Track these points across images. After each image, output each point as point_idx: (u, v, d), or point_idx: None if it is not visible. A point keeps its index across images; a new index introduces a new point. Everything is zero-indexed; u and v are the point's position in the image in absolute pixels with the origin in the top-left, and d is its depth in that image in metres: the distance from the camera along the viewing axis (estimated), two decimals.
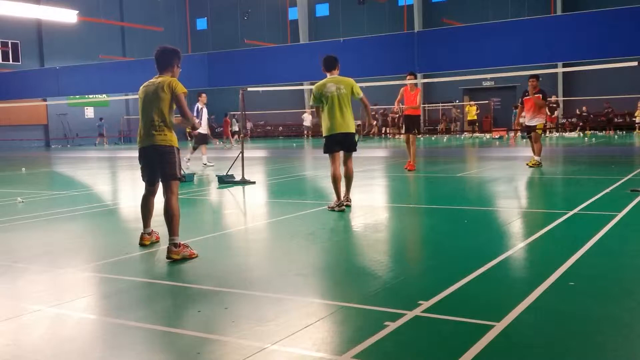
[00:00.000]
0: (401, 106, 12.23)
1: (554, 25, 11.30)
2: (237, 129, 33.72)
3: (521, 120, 12.60)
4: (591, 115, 32.07)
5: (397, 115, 34.28)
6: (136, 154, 5.63)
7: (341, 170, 7.56)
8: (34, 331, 3.56)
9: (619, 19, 10.49)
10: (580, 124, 31.60)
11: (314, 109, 7.67)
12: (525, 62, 11.73)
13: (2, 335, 3.46)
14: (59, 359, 3.15)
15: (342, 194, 7.55)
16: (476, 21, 18.79)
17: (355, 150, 7.51)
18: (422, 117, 34.59)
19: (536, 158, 12.30)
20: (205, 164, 15.51)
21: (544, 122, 12.36)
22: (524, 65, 12.56)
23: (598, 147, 20.82)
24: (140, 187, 5.90)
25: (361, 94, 7.42)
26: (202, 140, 15.73)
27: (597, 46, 10.59)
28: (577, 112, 32.16)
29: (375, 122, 7.61)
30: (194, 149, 15.74)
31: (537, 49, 11.02)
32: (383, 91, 34.75)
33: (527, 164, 12.35)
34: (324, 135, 7.45)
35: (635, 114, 28.95)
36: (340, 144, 7.44)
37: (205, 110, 15.59)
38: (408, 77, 12.12)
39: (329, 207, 7.52)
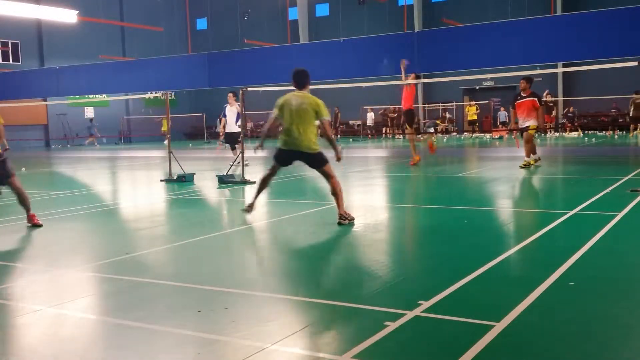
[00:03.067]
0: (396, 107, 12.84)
1: (554, 25, 11.28)
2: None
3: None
4: (583, 118, 32.19)
5: (395, 116, 34.41)
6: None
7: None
8: (34, 331, 3.56)
9: (619, 19, 10.47)
10: (569, 124, 31.62)
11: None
12: (525, 62, 11.71)
13: (2, 336, 3.46)
14: (59, 359, 3.15)
15: (253, 200, 7.20)
16: (476, 21, 18.78)
17: (322, 166, 6.79)
18: (417, 115, 34.72)
19: (526, 159, 12.30)
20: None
21: (537, 123, 12.38)
22: (524, 65, 12.54)
23: (598, 147, 20.81)
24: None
25: (325, 117, 6.73)
26: (231, 139, 15.37)
27: (597, 46, 10.57)
28: (564, 111, 32.20)
29: (340, 148, 6.97)
30: (232, 149, 15.44)
31: (537, 49, 11.00)
32: (383, 91, 34.81)
33: (520, 166, 12.34)
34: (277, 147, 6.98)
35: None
36: (290, 162, 7.02)
37: (227, 108, 15.17)
38: (412, 77, 12.94)
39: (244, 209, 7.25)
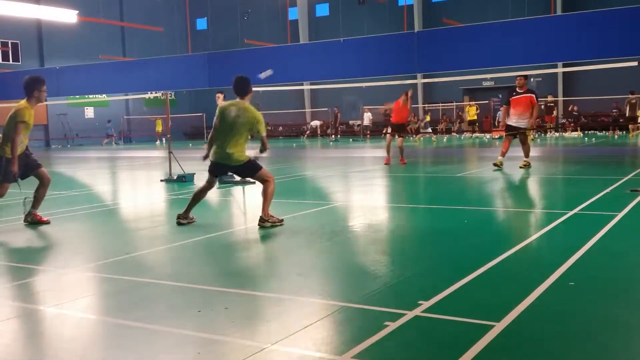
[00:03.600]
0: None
1: (554, 25, 11.26)
2: None
3: (508, 122, 12.58)
4: (582, 117, 32.17)
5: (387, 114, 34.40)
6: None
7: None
8: (34, 331, 3.56)
9: (619, 19, 10.46)
10: (572, 124, 31.64)
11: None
12: (525, 62, 11.69)
13: (2, 335, 3.46)
14: (59, 359, 3.15)
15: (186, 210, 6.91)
16: (476, 21, 18.77)
17: (256, 173, 6.60)
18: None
19: (526, 159, 12.31)
20: None
21: (529, 124, 12.45)
22: (524, 65, 12.54)
23: (598, 147, 20.81)
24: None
25: (263, 134, 6.56)
26: None
27: (597, 46, 10.55)
28: (569, 110, 32.25)
29: (267, 149, 6.79)
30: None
31: (537, 49, 10.98)
32: (383, 91, 34.81)
33: (520, 166, 12.30)
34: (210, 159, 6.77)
35: (637, 114, 28.94)
36: (225, 172, 7.01)
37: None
38: (404, 97, 14.51)
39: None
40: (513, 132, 12.53)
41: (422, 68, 12.45)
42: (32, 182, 7.25)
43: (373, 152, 21.28)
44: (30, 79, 6.91)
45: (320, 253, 5.43)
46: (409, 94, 14.69)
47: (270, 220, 6.47)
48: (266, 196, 6.54)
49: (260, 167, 6.62)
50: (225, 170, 6.87)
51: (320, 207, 7.97)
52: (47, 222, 7.09)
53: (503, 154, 12.35)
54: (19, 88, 7.03)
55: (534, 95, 12.25)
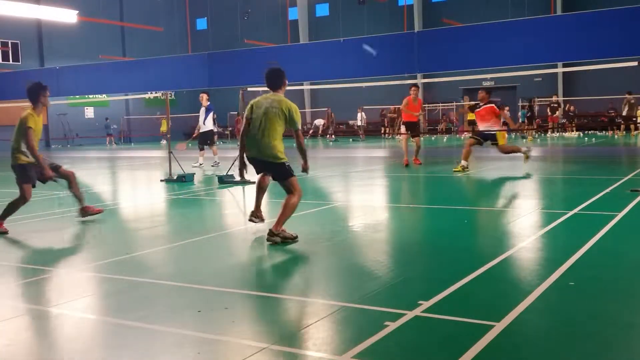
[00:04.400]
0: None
1: (554, 25, 11.25)
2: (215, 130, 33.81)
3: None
4: (583, 118, 32.22)
5: (395, 116, 34.32)
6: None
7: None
8: (34, 331, 3.56)
9: (619, 19, 10.45)
10: (568, 124, 31.63)
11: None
12: (525, 62, 11.68)
13: (2, 335, 3.46)
14: (59, 359, 3.15)
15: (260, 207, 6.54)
16: (476, 21, 18.76)
17: (285, 179, 6.01)
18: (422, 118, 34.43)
19: (526, 156, 12.29)
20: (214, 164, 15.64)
21: (503, 129, 12.71)
22: (524, 65, 12.54)
23: (598, 147, 20.80)
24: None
25: (298, 126, 6.03)
26: (200, 139, 15.85)
27: (597, 46, 10.54)
28: (566, 110, 32.26)
29: (308, 166, 6.24)
30: (200, 149, 15.82)
31: (537, 49, 10.97)
32: (383, 91, 34.82)
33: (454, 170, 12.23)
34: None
35: (637, 114, 28.95)
36: (261, 170, 6.28)
37: (203, 110, 15.67)
38: (413, 90, 13.84)
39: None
40: (487, 138, 12.56)
41: (422, 68, 12.44)
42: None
43: (373, 152, 21.28)
44: (34, 85, 6.91)
45: (320, 253, 5.43)
46: (417, 89, 14.12)
47: (281, 235, 5.76)
48: (286, 208, 5.90)
49: (292, 174, 6.03)
50: (263, 166, 6.15)
51: (320, 207, 7.97)
52: (101, 212, 7.46)
53: (516, 150, 12.40)
54: (19, 88, 7.06)
55: (494, 105, 12.42)
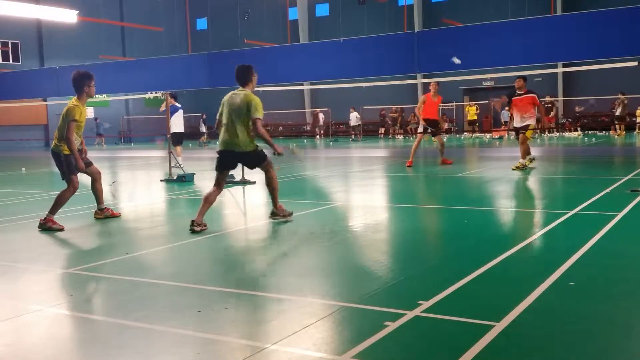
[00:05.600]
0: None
1: (554, 25, 11.26)
2: (204, 130, 34.14)
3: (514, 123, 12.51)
4: (583, 118, 32.27)
5: (397, 115, 34.30)
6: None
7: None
8: (34, 331, 3.56)
9: (619, 19, 10.46)
10: (570, 123, 31.68)
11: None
12: (525, 62, 11.69)
13: (2, 335, 3.46)
14: (59, 359, 3.15)
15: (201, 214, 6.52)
16: (476, 21, 18.76)
17: (260, 164, 6.63)
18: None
19: (521, 160, 12.07)
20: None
21: (534, 123, 12.41)
22: (524, 65, 12.55)
23: (598, 147, 20.81)
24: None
25: (256, 115, 6.33)
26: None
27: (597, 46, 10.56)
28: (577, 111, 32.31)
29: (278, 149, 6.55)
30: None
31: (537, 49, 10.98)
32: (383, 91, 34.80)
33: (512, 168, 12.12)
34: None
35: (636, 114, 28.97)
36: (233, 164, 6.79)
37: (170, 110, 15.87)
38: (432, 85, 13.61)
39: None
40: (517, 132, 12.41)
41: (422, 68, 12.45)
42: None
43: (372, 152, 21.29)
44: (78, 74, 6.91)
45: (320, 253, 5.44)
46: (436, 85, 13.71)
47: (281, 214, 6.71)
48: (274, 186, 6.67)
49: (266, 156, 6.62)
50: (233, 160, 6.70)
51: (320, 207, 7.97)
52: (118, 215, 7.52)
53: (524, 156, 12.15)
54: (19, 88, 7.08)
55: (535, 96, 12.21)
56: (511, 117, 12.76)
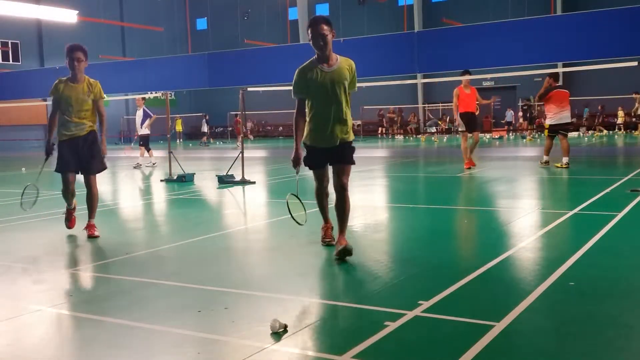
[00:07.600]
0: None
1: (554, 25, 11.27)
2: (205, 130, 34.22)
3: (550, 121, 12.29)
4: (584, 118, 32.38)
5: (394, 116, 34.26)
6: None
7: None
8: (34, 331, 3.56)
9: (619, 19, 10.47)
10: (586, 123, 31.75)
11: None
12: (525, 62, 11.71)
13: (2, 335, 3.46)
14: (59, 359, 3.15)
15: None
16: (476, 21, 18.77)
17: (350, 164, 5.31)
18: (457, 117, 34.37)
19: (565, 159, 12.00)
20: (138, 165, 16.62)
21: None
22: (524, 65, 12.56)
23: (598, 147, 20.81)
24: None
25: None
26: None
27: (597, 46, 10.57)
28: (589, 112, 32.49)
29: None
30: (147, 150, 16.71)
31: (537, 49, 10.99)
32: (383, 91, 34.80)
33: (556, 165, 12.03)
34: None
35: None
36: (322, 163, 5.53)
37: (140, 113, 16.40)
38: (465, 81, 12.27)
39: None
40: (561, 130, 12.21)
41: (422, 68, 12.46)
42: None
43: (373, 152, 21.28)
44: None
45: (320, 253, 5.43)
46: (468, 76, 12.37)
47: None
48: (348, 209, 5.11)
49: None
50: (324, 159, 5.23)
51: None
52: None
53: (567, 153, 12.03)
54: (19, 88, 7.01)
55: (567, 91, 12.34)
56: (542, 115, 12.73)
